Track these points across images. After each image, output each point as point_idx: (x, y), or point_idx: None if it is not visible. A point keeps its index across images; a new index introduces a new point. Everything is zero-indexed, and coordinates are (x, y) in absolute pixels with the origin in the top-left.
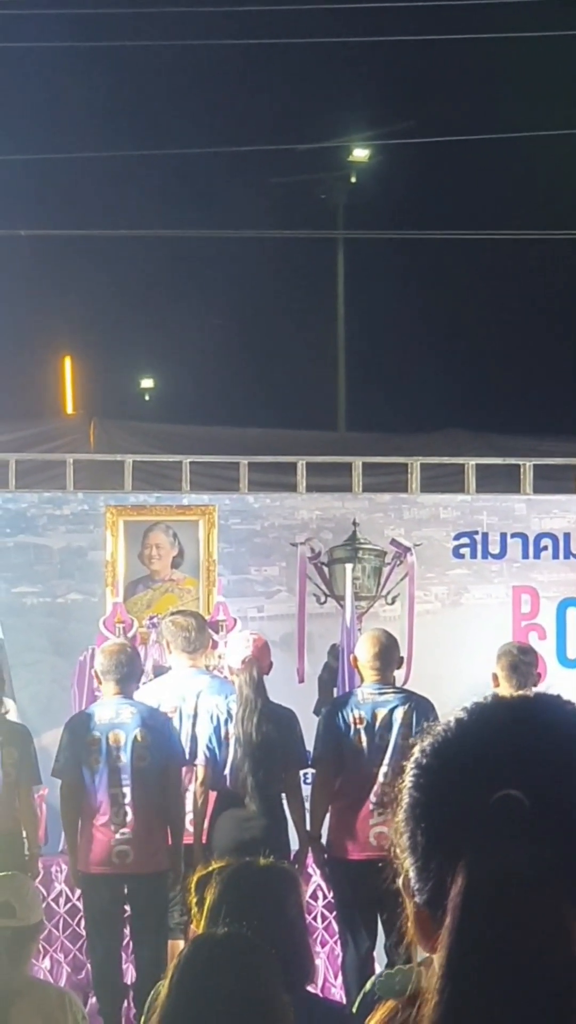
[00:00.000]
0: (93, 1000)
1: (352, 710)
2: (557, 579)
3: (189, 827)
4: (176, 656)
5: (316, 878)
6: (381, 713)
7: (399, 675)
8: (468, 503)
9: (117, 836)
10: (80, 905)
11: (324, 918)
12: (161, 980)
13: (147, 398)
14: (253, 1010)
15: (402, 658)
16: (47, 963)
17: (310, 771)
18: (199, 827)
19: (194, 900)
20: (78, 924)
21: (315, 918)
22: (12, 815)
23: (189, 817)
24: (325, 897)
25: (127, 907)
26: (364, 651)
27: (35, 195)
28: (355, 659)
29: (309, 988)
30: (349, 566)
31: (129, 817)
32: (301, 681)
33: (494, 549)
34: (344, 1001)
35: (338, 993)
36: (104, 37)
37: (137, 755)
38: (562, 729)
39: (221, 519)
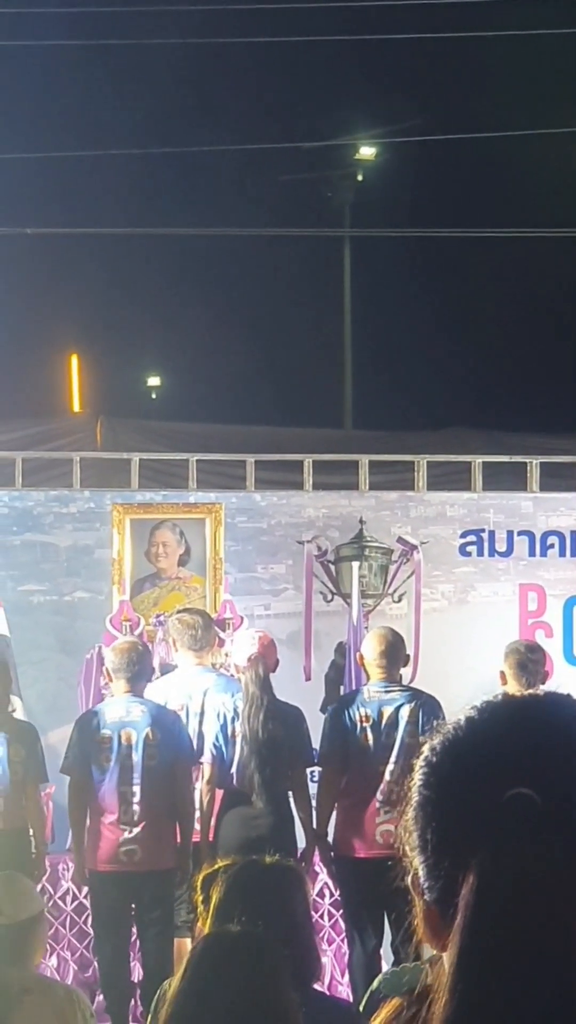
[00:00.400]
0: (100, 998)
1: (358, 708)
2: (564, 577)
3: (196, 825)
4: (182, 654)
5: (323, 876)
6: (387, 711)
7: (406, 673)
8: (475, 501)
9: (126, 834)
10: (87, 903)
11: (331, 916)
12: (168, 978)
13: (154, 396)
14: (263, 1008)
15: (409, 656)
16: (54, 961)
17: (317, 769)
18: (205, 825)
19: (200, 898)
20: (85, 922)
21: (322, 916)
22: (19, 813)
23: (196, 815)
24: (331, 895)
25: (134, 905)
26: (370, 649)
27: (41, 193)
28: (361, 657)
29: (316, 986)
30: (356, 564)
31: (138, 816)
32: (308, 679)
33: (501, 547)
34: (351, 999)
35: (345, 991)
36: (110, 35)
37: (148, 754)
38: (573, 728)
39: (228, 517)
